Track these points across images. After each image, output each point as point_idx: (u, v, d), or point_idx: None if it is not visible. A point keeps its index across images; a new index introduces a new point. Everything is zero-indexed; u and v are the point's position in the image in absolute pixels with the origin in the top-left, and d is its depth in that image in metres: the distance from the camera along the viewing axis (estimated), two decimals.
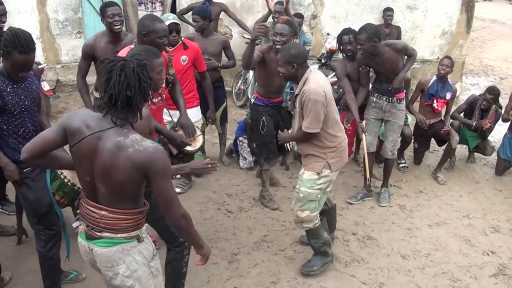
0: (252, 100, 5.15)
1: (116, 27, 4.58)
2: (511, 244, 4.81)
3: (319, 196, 3.96)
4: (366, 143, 5.28)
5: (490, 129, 6.15)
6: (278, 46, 4.49)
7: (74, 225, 2.65)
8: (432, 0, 8.46)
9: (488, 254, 4.66)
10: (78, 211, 2.65)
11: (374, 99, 5.36)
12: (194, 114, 4.94)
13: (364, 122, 5.39)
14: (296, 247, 4.59)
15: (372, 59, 5.07)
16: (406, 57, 5.24)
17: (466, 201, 5.61)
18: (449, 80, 6.06)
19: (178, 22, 4.73)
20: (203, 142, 4.26)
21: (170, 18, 4.64)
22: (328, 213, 4.37)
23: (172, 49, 4.63)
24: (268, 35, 6.16)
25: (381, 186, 5.57)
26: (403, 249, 4.64)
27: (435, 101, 5.98)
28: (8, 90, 3.25)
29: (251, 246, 4.57)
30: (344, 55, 5.53)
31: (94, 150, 2.33)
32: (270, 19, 6.49)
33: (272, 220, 5.01)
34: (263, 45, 5.04)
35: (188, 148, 4.04)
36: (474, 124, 6.03)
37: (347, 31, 5.40)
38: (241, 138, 6.07)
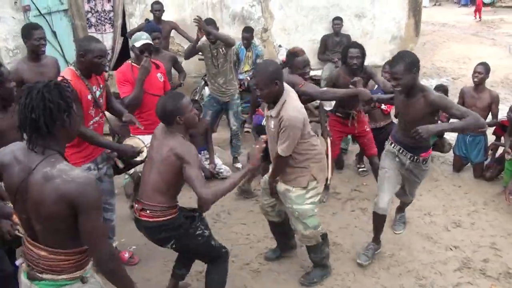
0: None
1: (42, 49, 4.66)
2: (474, 238, 4.86)
3: (315, 210, 3.90)
4: (381, 204, 4.33)
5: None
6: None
7: (18, 262, 2.46)
8: (379, 7, 8.66)
9: (451, 249, 4.70)
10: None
11: (396, 152, 4.29)
12: None
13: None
14: (261, 260, 4.54)
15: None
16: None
17: (427, 199, 5.67)
18: None
19: (151, 42, 4.67)
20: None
21: (143, 38, 4.59)
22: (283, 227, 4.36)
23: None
24: (206, 52, 6.16)
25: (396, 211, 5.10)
26: None
27: (382, 104, 6.06)
28: None
29: None
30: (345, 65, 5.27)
31: (25, 185, 2.18)
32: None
33: (236, 235, 4.96)
34: None
35: (137, 158, 3.99)
36: None
37: (355, 45, 5.23)
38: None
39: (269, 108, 3.74)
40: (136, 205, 3.41)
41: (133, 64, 4.62)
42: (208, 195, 3.11)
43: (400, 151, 4.26)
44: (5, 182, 2.28)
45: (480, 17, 18.90)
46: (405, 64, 3.79)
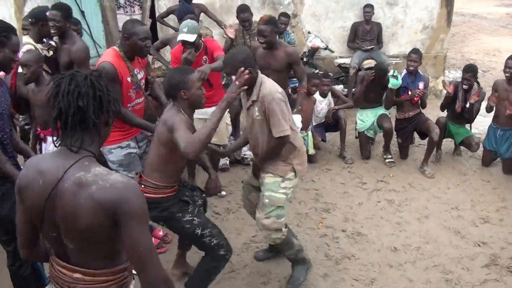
0: None
1: (52, 31, 4.43)
2: (502, 234, 4.77)
3: (284, 201, 3.70)
4: None
5: (478, 102, 6.00)
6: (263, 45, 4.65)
7: None
8: None
9: (479, 245, 4.62)
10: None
11: None
12: None
13: None
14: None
15: None
16: None
17: (454, 193, 5.58)
18: (419, 71, 6.17)
19: (186, 39, 4.50)
20: None
21: (183, 31, 4.49)
22: None
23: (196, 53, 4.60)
24: (238, 38, 6.06)
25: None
26: (393, 243, 4.59)
27: (409, 92, 6.02)
28: None
29: (240, 247, 4.49)
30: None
31: (53, 196, 1.85)
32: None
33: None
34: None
35: None
36: (457, 105, 6.00)
37: None
38: None
39: (248, 95, 3.57)
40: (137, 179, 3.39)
41: None
42: (188, 148, 2.88)
43: None
44: (28, 203, 1.94)
45: None
46: None
